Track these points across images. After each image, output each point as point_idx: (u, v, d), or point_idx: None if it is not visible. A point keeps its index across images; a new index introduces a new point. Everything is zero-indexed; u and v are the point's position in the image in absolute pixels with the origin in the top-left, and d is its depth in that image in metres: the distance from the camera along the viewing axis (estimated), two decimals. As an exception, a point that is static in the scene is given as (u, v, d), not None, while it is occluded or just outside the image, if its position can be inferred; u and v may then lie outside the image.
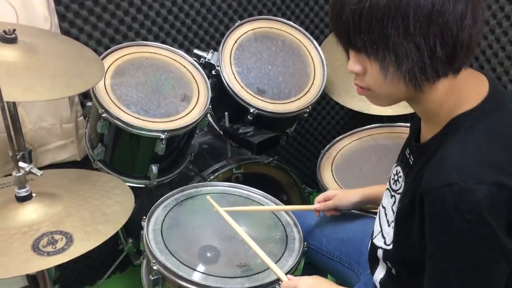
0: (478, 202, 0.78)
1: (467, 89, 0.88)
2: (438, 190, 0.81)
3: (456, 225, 0.80)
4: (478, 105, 0.87)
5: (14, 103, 1.33)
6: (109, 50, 1.58)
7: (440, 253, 0.85)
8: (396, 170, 1.08)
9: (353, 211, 1.42)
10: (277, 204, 1.48)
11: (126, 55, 1.61)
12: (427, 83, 0.85)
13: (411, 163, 1.00)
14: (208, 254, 1.26)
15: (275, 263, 1.24)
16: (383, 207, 1.12)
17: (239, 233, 1.22)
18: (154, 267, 1.18)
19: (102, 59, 1.52)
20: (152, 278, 1.20)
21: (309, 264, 1.37)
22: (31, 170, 1.07)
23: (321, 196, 1.43)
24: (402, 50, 0.81)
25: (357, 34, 0.83)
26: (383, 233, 1.09)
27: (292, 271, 1.23)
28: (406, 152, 1.04)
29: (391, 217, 1.05)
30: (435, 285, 0.88)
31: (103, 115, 1.44)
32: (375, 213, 1.20)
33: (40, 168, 1.11)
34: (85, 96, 1.78)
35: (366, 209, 1.43)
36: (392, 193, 1.08)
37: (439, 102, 0.89)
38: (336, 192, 1.40)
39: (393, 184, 1.08)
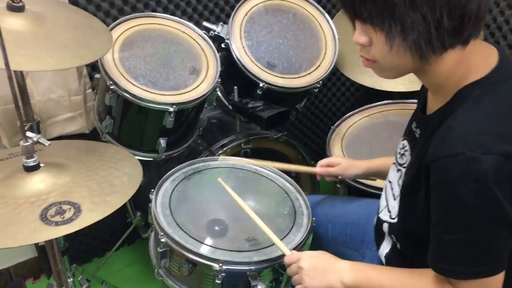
0: (484, 172, 0.76)
1: (475, 60, 0.86)
2: (444, 160, 0.80)
3: (461, 195, 0.79)
4: (487, 75, 0.85)
5: (21, 72, 1.32)
6: (117, 21, 1.56)
7: (445, 223, 0.84)
8: (403, 144, 1.06)
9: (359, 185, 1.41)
10: (285, 180, 1.47)
11: (134, 26, 1.58)
12: (434, 54, 0.83)
13: (418, 136, 0.98)
14: (216, 228, 1.26)
15: (283, 238, 1.24)
16: (389, 182, 1.11)
17: (244, 208, 1.21)
18: (162, 240, 1.18)
19: (111, 30, 1.50)
20: (160, 251, 1.20)
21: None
22: (39, 140, 1.06)
23: (325, 161, 1.42)
24: (408, 21, 0.78)
25: (362, 4, 0.81)
26: (388, 207, 1.08)
27: (300, 247, 1.22)
28: (413, 125, 1.02)
29: (397, 191, 1.04)
30: (439, 255, 0.87)
31: (111, 87, 1.42)
32: (380, 190, 1.19)
33: (48, 140, 1.10)
34: (94, 68, 1.76)
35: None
36: (398, 167, 1.06)
37: (447, 73, 0.86)
38: (341, 161, 1.40)
39: (399, 158, 1.07)
